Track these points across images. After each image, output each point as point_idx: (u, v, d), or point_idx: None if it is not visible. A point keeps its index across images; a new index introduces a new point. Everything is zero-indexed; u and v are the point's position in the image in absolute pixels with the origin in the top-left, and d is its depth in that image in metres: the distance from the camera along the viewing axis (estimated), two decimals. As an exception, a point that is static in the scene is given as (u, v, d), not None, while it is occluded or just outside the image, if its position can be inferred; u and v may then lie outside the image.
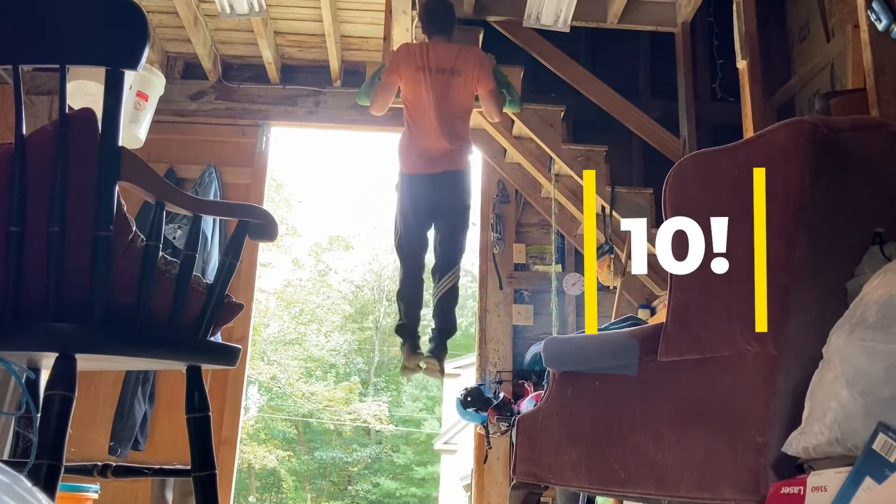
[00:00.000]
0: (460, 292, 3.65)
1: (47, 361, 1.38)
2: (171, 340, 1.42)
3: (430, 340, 3.53)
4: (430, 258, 3.63)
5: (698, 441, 1.42)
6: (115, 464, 1.61)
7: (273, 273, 19.01)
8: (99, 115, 1.34)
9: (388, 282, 19.33)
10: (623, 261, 4.27)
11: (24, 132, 1.32)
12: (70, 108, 1.37)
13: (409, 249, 3.55)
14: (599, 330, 2.02)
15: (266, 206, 4.90)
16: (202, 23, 4.55)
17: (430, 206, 3.51)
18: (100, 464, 1.60)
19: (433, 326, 3.55)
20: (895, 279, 1.25)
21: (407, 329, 3.53)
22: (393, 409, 18.84)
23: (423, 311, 3.64)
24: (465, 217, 3.58)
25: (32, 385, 1.53)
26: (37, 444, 1.21)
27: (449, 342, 3.58)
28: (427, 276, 3.62)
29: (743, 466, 1.33)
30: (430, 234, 3.62)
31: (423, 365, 3.48)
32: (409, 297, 3.55)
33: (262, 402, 18.37)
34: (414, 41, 4.05)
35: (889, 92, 2.09)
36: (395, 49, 3.72)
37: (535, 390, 4.29)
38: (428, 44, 3.59)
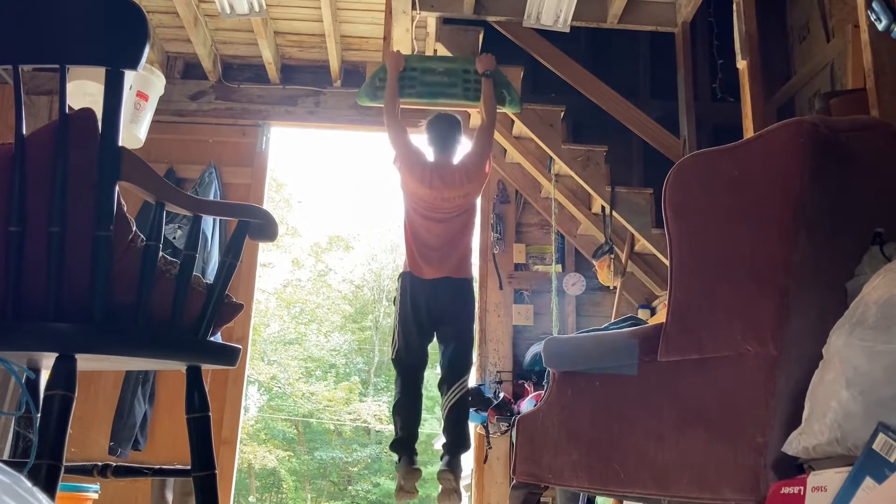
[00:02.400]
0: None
1: (47, 361, 1.38)
2: (171, 340, 1.42)
3: (442, 457, 3.28)
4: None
5: (698, 441, 1.42)
6: (115, 464, 1.61)
7: (273, 273, 19.02)
8: (99, 115, 1.34)
9: (388, 282, 19.34)
10: (623, 261, 4.27)
11: (24, 132, 1.32)
12: (70, 108, 1.37)
13: (408, 363, 3.37)
14: (599, 330, 2.02)
15: (266, 206, 4.89)
16: (202, 23, 4.55)
17: (432, 314, 3.33)
18: (100, 464, 1.60)
19: (444, 442, 3.31)
20: (895, 279, 1.25)
21: (404, 444, 3.29)
22: (393, 409, 18.79)
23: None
24: (471, 328, 3.42)
25: (32, 385, 1.53)
26: (37, 444, 1.21)
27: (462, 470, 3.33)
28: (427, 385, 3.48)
29: (743, 466, 1.33)
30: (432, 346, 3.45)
31: (419, 484, 3.25)
32: (407, 411, 3.35)
33: (262, 402, 18.38)
34: (413, 45, 4.06)
35: (889, 92, 2.09)
36: (404, 141, 3.47)
37: (535, 390, 4.29)
38: (434, 167, 3.41)
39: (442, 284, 3.33)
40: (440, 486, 3.20)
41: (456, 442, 3.26)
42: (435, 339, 3.43)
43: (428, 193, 3.34)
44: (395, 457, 3.33)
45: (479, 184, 3.44)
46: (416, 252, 3.38)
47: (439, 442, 3.34)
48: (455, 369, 3.32)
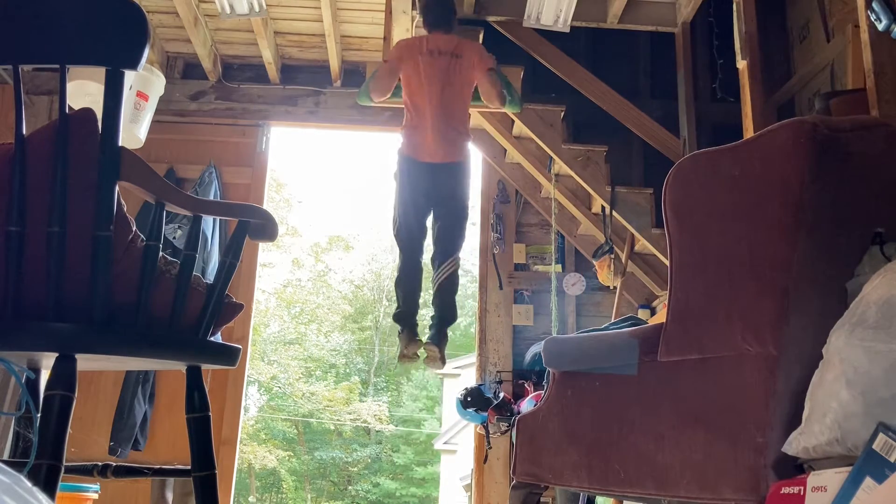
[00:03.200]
0: (459, 285, 3.64)
1: (47, 361, 1.38)
2: (171, 340, 1.42)
3: (430, 328, 3.53)
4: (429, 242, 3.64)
5: (698, 441, 1.42)
6: (115, 464, 1.61)
7: (273, 273, 19.03)
8: (99, 115, 1.34)
9: (388, 281, 19.34)
10: (623, 261, 4.27)
11: (24, 132, 1.32)
12: (70, 108, 1.37)
13: (407, 237, 3.54)
14: (599, 330, 2.02)
15: (266, 206, 4.90)
16: (202, 23, 4.55)
17: (429, 194, 3.52)
18: (100, 464, 1.60)
19: (433, 314, 3.54)
20: (895, 279, 1.25)
21: (405, 316, 3.51)
22: (393, 409, 18.84)
23: (421, 300, 3.64)
24: (465, 207, 3.57)
25: (32, 385, 1.53)
26: (37, 444, 1.21)
27: (448, 342, 3.56)
28: (426, 265, 3.62)
29: (743, 466, 1.33)
30: (429, 222, 3.62)
31: (421, 353, 3.48)
32: (407, 284, 3.54)
33: (262, 402, 18.39)
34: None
35: (889, 92, 2.09)
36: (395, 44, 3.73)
37: (535, 390, 4.29)
38: (428, 35, 3.61)
39: (438, 168, 3.48)
40: (423, 354, 3.47)
41: (444, 316, 3.50)
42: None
43: (422, 57, 3.47)
44: (398, 327, 3.54)
45: (475, 53, 3.52)
46: (412, 134, 3.52)
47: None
48: (447, 246, 3.52)
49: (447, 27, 3.61)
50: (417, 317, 3.58)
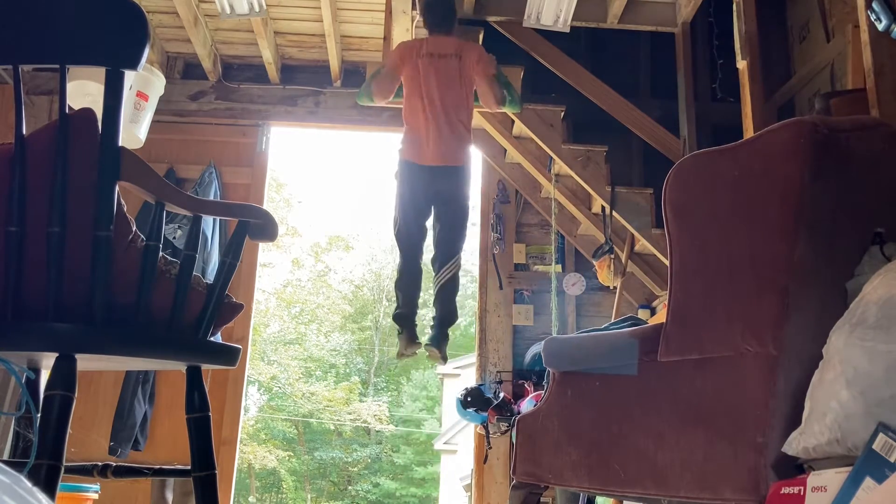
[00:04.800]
0: (460, 285, 3.66)
1: (47, 361, 1.38)
2: (171, 340, 1.42)
3: (431, 328, 3.55)
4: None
5: (698, 441, 1.42)
6: (115, 464, 1.61)
7: (273, 273, 19.03)
8: (99, 115, 1.34)
9: (388, 282, 19.34)
10: (623, 261, 4.27)
11: (24, 132, 1.32)
12: (70, 108, 1.37)
13: (407, 239, 3.55)
14: (599, 330, 2.02)
15: (266, 206, 4.89)
16: (202, 23, 4.55)
17: (430, 197, 3.53)
18: (100, 464, 1.60)
19: (433, 315, 3.56)
20: (895, 279, 1.25)
21: (405, 317, 3.53)
22: (393, 409, 18.84)
23: (420, 301, 3.67)
24: (465, 209, 3.58)
25: (32, 385, 1.53)
26: (37, 444, 1.21)
27: (449, 342, 3.59)
28: (426, 265, 3.63)
29: (743, 466, 1.33)
30: (429, 224, 3.64)
31: (422, 351, 3.53)
32: (407, 285, 3.56)
33: (262, 402, 18.39)
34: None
35: (889, 92, 2.09)
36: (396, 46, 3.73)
37: (535, 390, 4.29)
38: (429, 37, 3.62)
39: (439, 171, 3.49)
40: (426, 353, 3.53)
41: (444, 317, 3.53)
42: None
43: (423, 60, 3.48)
44: (398, 328, 3.56)
45: (475, 55, 3.53)
46: (413, 137, 3.53)
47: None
48: (448, 248, 3.54)
49: (447, 29, 3.61)
50: (417, 318, 3.60)
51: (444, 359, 3.56)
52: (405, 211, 3.54)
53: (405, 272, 3.57)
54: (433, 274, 3.58)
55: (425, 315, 3.81)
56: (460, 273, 3.63)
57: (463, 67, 3.52)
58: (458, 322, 3.67)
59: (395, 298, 3.64)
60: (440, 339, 3.51)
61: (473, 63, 3.52)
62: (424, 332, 3.58)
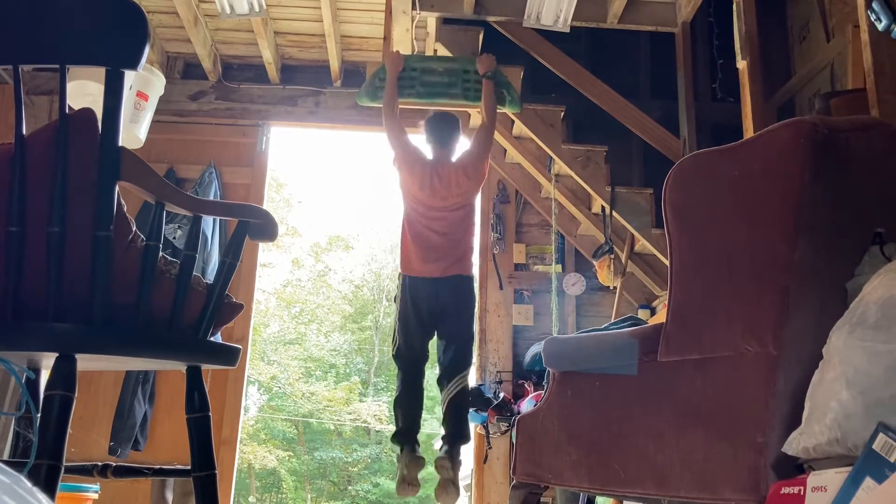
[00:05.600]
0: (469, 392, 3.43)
1: (47, 361, 1.38)
2: (171, 340, 1.42)
3: (441, 449, 3.24)
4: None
5: (698, 441, 1.42)
6: (115, 464, 1.61)
7: (273, 273, 19.03)
8: (99, 115, 1.34)
9: (388, 281, 19.34)
10: (623, 261, 4.27)
11: (24, 132, 1.32)
12: (70, 108, 1.37)
13: (409, 359, 3.36)
14: (599, 330, 2.02)
15: (266, 206, 4.89)
16: (202, 23, 4.55)
17: (433, 311, 3.32)
18: (100, 464, 1.60)
19: (444, 434, 3.29)
20: (895, 279, 1.25)
21: (406, 435, 3.28)
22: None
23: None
24: (471, 326, 3.40)
25: (32, 385, 1.53)
26: (37, 444, 1.21)
27: (461, 467, 3.29)
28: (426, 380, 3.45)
29: (743, 466, 1.33)
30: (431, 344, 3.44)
31: (422, 476, 3.23)
32: (408, 405, 3.34)
33: (262, 402, 18.38)
34: (413, 45, 4.05)
35: (889, 92, 2.09)
36: (405, 142, 3.46)
37: (535, 390, 4.29)
38: (432, 165, 3.39)
39: (442, 283, 3.32)
40: (438, 478, 3.14)
41: (455, 433, 3.23)
42: (435, 336, 3.42)
43: (427, 194, 3.34)
44: (397, 449, 3.29)
45: (477, 182, 3.43)
46: (415, 251, 3.36)
47: (439, 442, 3.33)
48: (455, 366, 3.32)
49: (449, 149, 3.47)
50: (419, 434, 3.29)
51: (457, 487, 3.15)
52: (407, 331, 3.32)
53: (406, 392, 3.35)
54: (440, 392, 3.35)
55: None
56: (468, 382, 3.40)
57: (465, 197, 3.37)
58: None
59: (393, 418, 3.39)
60: (453, 455, 3.19)
61: (472, 173, 3.36)
62: (426, 456, 3.30)
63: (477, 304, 4.68)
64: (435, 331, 3.37)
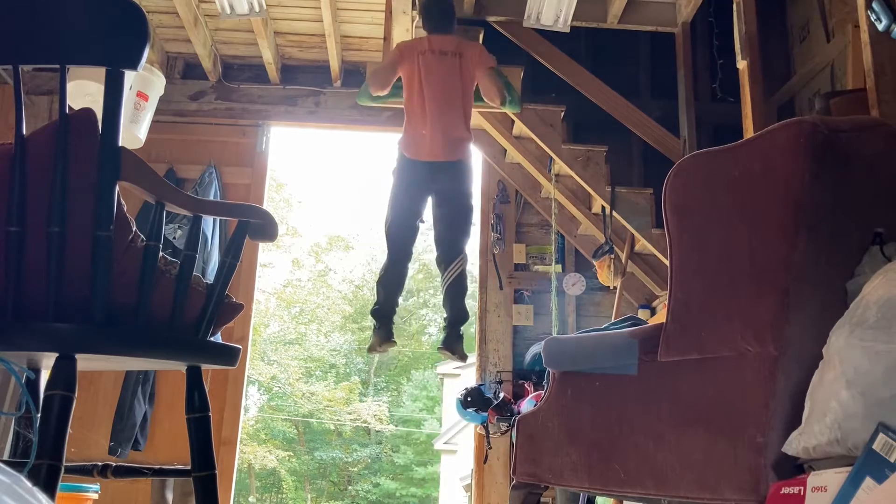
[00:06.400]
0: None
1: (47, 361, 1.38)
2: (171, 340, 1.42)
3: (443, 330, 3.48)
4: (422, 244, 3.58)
5: (698, 441, 1.42)
6: (115, 464, 1.61)
7: (273, 273, 19.04)
8: (99, 115, 1.34)
9: (388, 282, 19.33)
10: (623, 261, 4.27)
11: (24, 132, 1.32)
12: (70, 108, 1.37)
13: (398, 235, 3.48)
14: (599, 330, 2.02)
15: (266, 206, 4.89)
16: (202, 23, 4.55)
17: (427, 194, 3.46)
18: (100, 464, 1.60)
19: (444, 316, 3.48)
20: (895, 279, 1.25)
21: (383, 314, 3.44)
22: (393, 409, 18.84)
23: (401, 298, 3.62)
24: (468, 206, 3.51)
25: (32, 385, 1.53)
26: (37, 444, 1.21)
27: (464, 340, 3.51)
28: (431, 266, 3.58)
29: (743, 466, 1.33)
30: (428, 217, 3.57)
31: (388, 351, 3.54)
32: (390, 283, 3.47)
33: (262, 402, 18.39)
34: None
35: (889, 92, 2.09)
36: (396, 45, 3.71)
37: (535, 390, 4.29)
38: (429, 36, 3.58)
39: (439, 167, 3.42)
40: (441, 357, 3.44)
41: (456, 317, 3.44)
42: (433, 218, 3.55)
43: (424, 57, 3.44)
44: (374, 322, 3.48)
45: (475, 51, 3.50)
46: (412, 132, 3.47)
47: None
48: (453, 245, 3.45)
49: (447, 28, 3.59)
50: (395, 315, 3.53)
51: (463, 357, 3.47)
52: (398, 207, 3.47)
53: (390, 270, 3.48)
54: (440, 275, 3.51)
55: (425, 314, 3.73)
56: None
57: (463, 65, 3.49)
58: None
59: (375, 294, 3.56)
60: (454, 340, 3.42)
61: (475, 57, 3.49)
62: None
63: (477, 305, 4.70)
64: (423, 208, 3.50)
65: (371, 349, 3.54)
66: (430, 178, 3.44)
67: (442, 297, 3.50)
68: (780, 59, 4.30)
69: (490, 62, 3.51)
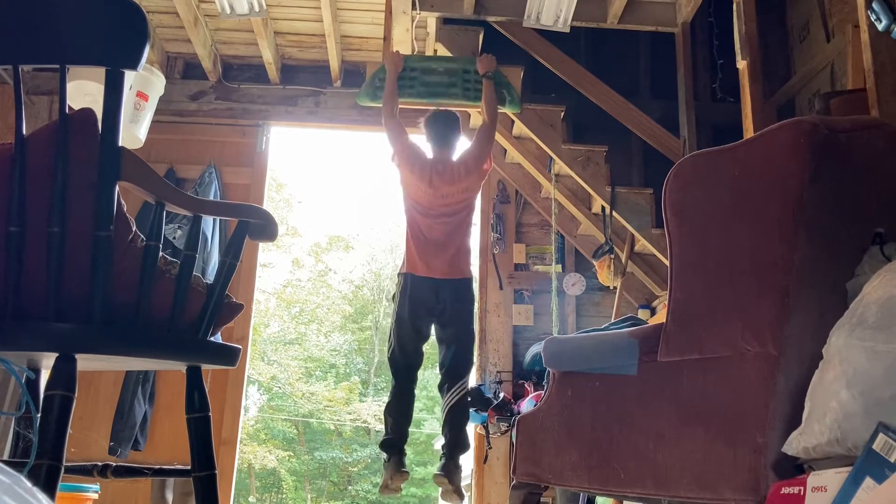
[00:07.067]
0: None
1: (47, 361, 1.38)
2: (171, 340, 1.42)
3: (441, 457, 3.32)
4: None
5: (698, 441, 1.42)
6: (115, 464, 1.61)
7: (273, 273, 19.03)
8: (99, 115, 1.34)
9: (388, 281, 19.34)
10: (623, 261, 4.27)
11: (24, 132, 1.32)
12: (70, 108, 1.37)
13: (403, 362, 3.36)
14: (599, 330, 2.02)
15: (266, 206, 4.90)
16: (202, 23, 4.55)
17: (433, 313, 3.33)
18: (100, 464, 1.60)
19: (443, 443, 3.34)
20: (895, 279, 1.25)
21: (394, 444, 3.31)
22: (393, 409, 18.76)
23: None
24: (472, 328, 3.41)
25: (32, 385, 1.53)
26: (37, 444, 1.21)
27: (462, 474, 3.36)
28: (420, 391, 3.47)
29: (743, 466, 1.33)
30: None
31: (401, 486, 3.32)
32: (399, 412, 3.35)
33: (262, 402, 18.38)
34: (413, 45, 4.05)
35: (889, 92, 2.09)
36: (404, 142, 3.46)
37: (535, 390, 4.28)
38: (433, 164, 3.40)
39: (443, 284, 3.32)
40: (440, 489, 3.23)
41: (454, 444, 3.28)
42: (435, 340, 3.43)
43: (428, 191, 3.34)
44: (384, 455, 3.35)
45: (478, 177, 3.43)
46: (416, 251, 3.36)
47: (439, 442, 3.33)
48: (455, 371, 3.33)
49: (449, 149, 3.47)
50: (406, 445, 3.40)
51: (460, 494, 3.23)
52: (403, 332, 3.32)
53: (397, 398, 3.35)
54: (441, 399, 3.38)
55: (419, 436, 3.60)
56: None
57: (466, 194, 3.38)
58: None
59: (383, 424, 3.42)
60: (452, 469, 3.24)
61: (473, 167, 3.37)
62: (426, 456, 3.34)
63: (477, 304, 4.70)
64: (428, 334, 3.38)
65: (384, 488, 3.32)
66: (435, 295, 3.31)
67: (442, 422, 3.36)
68: (780, 59, 4.30)
69: (478, 145, 3.43)
